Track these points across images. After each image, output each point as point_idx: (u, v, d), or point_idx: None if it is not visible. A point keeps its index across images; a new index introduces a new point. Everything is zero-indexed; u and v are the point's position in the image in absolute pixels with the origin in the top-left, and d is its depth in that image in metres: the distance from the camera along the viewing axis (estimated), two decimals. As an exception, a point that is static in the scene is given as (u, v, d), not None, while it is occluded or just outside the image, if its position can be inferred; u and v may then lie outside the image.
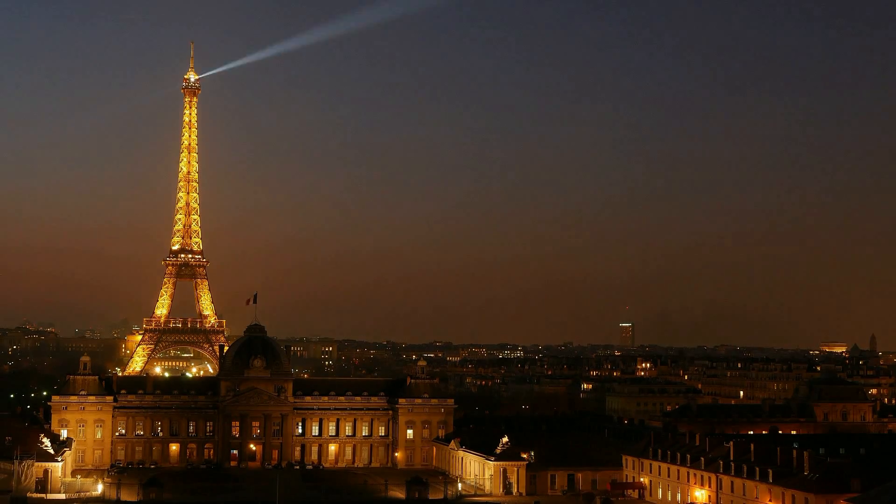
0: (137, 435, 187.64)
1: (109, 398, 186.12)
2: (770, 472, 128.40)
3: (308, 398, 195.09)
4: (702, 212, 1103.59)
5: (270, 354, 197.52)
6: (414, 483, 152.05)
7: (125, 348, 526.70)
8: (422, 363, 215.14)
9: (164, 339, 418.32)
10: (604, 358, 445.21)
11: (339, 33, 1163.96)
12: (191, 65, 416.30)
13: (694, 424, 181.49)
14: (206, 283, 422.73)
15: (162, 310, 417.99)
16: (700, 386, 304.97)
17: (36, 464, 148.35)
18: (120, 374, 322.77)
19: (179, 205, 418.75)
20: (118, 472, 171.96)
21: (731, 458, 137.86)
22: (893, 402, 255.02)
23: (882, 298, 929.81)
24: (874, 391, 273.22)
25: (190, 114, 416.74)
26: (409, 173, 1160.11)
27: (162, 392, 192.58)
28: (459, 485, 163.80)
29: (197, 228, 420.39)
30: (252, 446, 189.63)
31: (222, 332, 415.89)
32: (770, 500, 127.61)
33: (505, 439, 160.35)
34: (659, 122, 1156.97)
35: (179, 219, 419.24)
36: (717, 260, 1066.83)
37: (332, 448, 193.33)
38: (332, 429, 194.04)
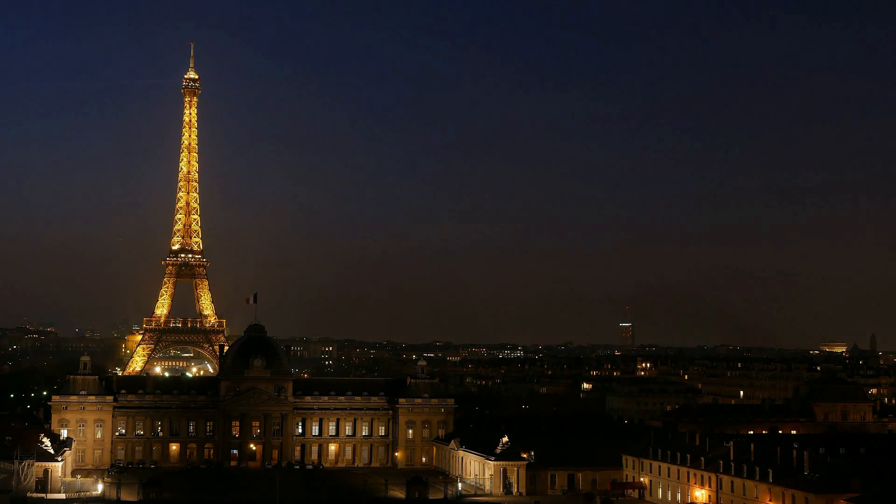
0: (137, 435, 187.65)
1: (109, 398, 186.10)
2: (770, 472, 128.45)
3: (308, 398, 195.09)
4: (702, 212, 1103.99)
5: (270, 354, 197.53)
6: (414, 483, 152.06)
7: (125, 348, 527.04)
8: (422, 363, 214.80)
9: (164, 339, 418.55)
10: (604, 358, 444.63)
11: (339, 32, 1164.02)
12: (191, 65, 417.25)
13: (694, 424, 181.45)
14: (206, 283, 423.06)
15: (162, 310, 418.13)
16: (700, 386, 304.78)
17: (36, 463, 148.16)
18: (120, 374, 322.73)
19: (179, 205, 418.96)
20: (118, 471, 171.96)
21: (731, 458, 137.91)
22: (893, 402, 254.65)
23: (882, 298, 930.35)
24: (874, 391, 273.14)
25: (190, 114, 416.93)
26: (409, 174, 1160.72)
27: (162, 392, 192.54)
28: (459, 485, 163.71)
29: (197, 228, 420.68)
30: (252, 446, 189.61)
31: (222, 332, 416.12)
32: (770, 500, 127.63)
33: (505, 439, 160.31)
34: (655, 120, 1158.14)
35: (179, 219, 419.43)
36: (717, 260, 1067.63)
37: (332, 448, 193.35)
38: (332, 429, 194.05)
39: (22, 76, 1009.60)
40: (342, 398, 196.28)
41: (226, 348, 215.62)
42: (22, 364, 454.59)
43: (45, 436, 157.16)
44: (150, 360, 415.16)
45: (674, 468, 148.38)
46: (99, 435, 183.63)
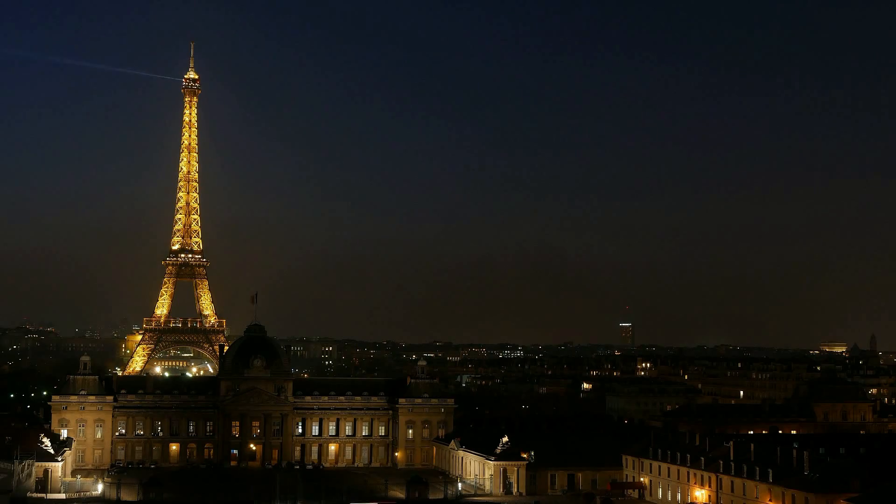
0: (137, 435, 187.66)
1: (109, 398, 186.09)
2: (770, 472, 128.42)
3: (308, 398, 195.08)
4: (702, 212, 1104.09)
5: (270, 354, 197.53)
6: (414, 483, 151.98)
7: (125, 348, 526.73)
8: (422, 363, 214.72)
9: (164, 338, 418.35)
10: (604, 358, 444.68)
11: (339, 33, 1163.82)
12: (191, 65, 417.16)
13: (694, 424, 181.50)
14: (206, 283, 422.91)
15: (162, 310, 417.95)
16: (700, 386, 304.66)
17: (36, 464, 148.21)
18: (120, 373, 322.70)
19: (179, 205, 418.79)
20: (118, 471, 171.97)
21: (731, 458, 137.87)
22: (893, 402, 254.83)
23: (882, 298, 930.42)
24: (874, 391, 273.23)
25: (190, 114, 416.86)
26: (408, 173, 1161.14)
27: (162, 392, 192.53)
28: (459, 485, 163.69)
29: (197, 228, 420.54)
30: (252, 446, 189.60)
31: (222, 332, 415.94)
32: (770, 500, 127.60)
33: (505, 439, 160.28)
34: (657, 121, 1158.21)
35: (179, 219, 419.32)
36: (717, 259, 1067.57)
37: (332, 448, 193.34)
38: (332, 429, 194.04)
39: (22, 76, 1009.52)
40: (342, 398, 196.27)
41: (226, 348, 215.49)
42: (22, 364, 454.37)
43: (45, 436, 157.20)
44: (150, 360, 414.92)
45: (674, 468, 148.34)
46: (99, 435, 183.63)
